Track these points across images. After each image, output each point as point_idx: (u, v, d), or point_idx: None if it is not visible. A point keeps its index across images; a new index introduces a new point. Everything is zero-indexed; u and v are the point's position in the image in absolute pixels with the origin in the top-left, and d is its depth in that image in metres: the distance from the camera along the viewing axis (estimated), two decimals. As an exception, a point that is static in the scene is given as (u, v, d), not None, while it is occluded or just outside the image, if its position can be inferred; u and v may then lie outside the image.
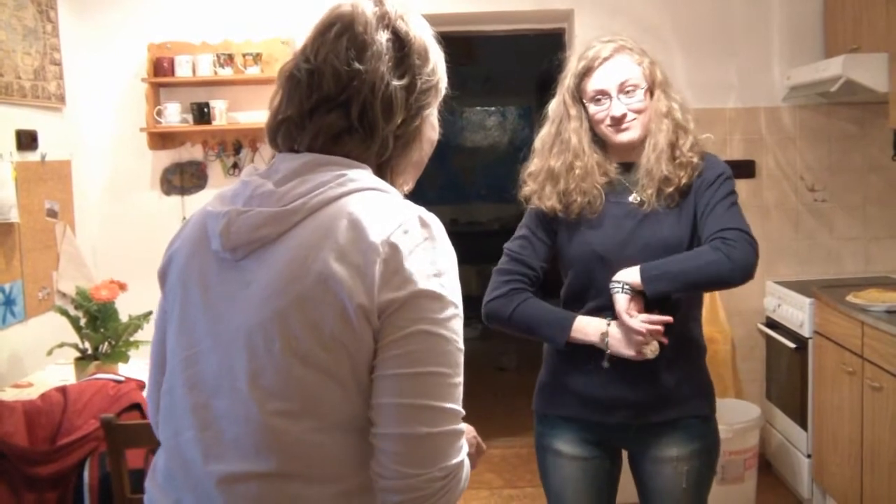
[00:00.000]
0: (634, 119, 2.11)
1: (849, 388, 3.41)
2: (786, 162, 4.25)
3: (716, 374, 4.14)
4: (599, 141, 2.18)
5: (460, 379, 1.16)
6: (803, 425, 3.82)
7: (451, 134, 9.05)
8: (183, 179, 4.31)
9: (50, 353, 3.04)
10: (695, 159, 2.13)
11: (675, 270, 2.02)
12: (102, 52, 4.25)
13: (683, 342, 2.17)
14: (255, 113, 4.25)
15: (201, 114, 4.17)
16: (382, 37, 1.20)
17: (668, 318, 2.02)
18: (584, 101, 2.15)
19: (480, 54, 7.60)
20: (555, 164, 2.16)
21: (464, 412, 1.17)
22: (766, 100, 4.23)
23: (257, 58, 4.14)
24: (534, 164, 2.22)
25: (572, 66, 2.17)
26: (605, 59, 2.11)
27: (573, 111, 2.17)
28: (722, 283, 2.07)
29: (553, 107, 2.22)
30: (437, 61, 1.27)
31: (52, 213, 3.84)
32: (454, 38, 6.68)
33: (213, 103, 4.16)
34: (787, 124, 4.24)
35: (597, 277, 2.12)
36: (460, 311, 1.16)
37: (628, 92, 2.10)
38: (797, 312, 3.83)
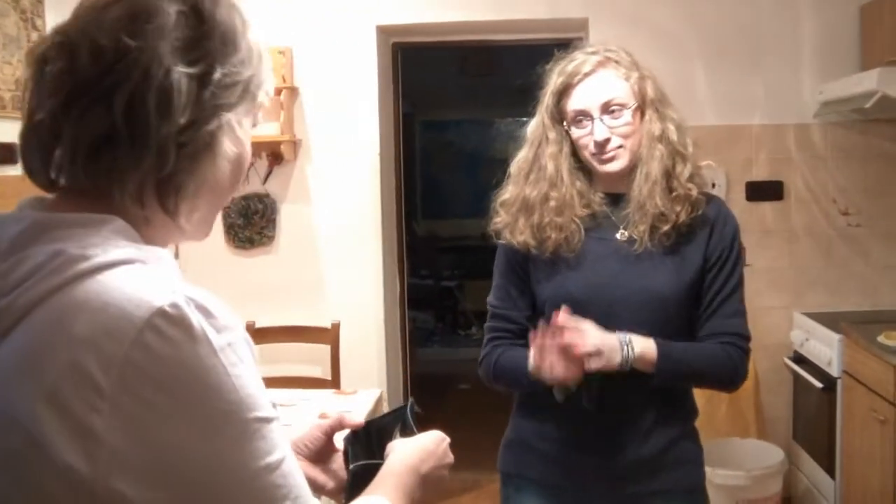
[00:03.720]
0: (621, 146, 1.83)
1: (880, 438, 3.08)
2: (816, 183, 3.92)
3: (737, 412, 3.84)
4: (584, 167, 1.91)
5: (273, 461, 0.85)
6: (831, 472, 3.49)
7: (482, 146, 8.81)
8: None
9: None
10: (693, 192, 1.84)
11: (689, 371, 1.84)
12: (94, 62, 4.08)
13: (670, 402, 1.89)
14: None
15: (194, 126, 3.97)
16: (172, 8, 0.89)
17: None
18: (566, 122, 1.88)
19: (506, 65, 7.38)
20: (530, 194, 1.90)
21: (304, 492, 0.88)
22: (796, 116, 3.90)
23: (252, 68, 3.93)
24: (508, 192, 1.96)
25: (552, 83, 1.90)
26: (587, 74, 1.84)
27: (552, 134, 1.90)
28: (716, 389, 2.07)
29: (531, 128, 1.96)
30: (251, 53, 0.95)
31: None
32: (476, 49, 6.51)
33: (205, 116, 3.96)
34: (819, 143, 3.91)
35: None
36: (246, 409, 0.83)
37: (613, 112, 1.82)
38: (825, 349, 3.51)
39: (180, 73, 0.87)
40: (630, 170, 1.86)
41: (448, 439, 1.27)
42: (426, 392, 5.78)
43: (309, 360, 3.99)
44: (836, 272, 3.95)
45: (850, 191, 3.92)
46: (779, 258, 3.92)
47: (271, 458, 0.85)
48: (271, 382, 3.63)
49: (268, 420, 0.86)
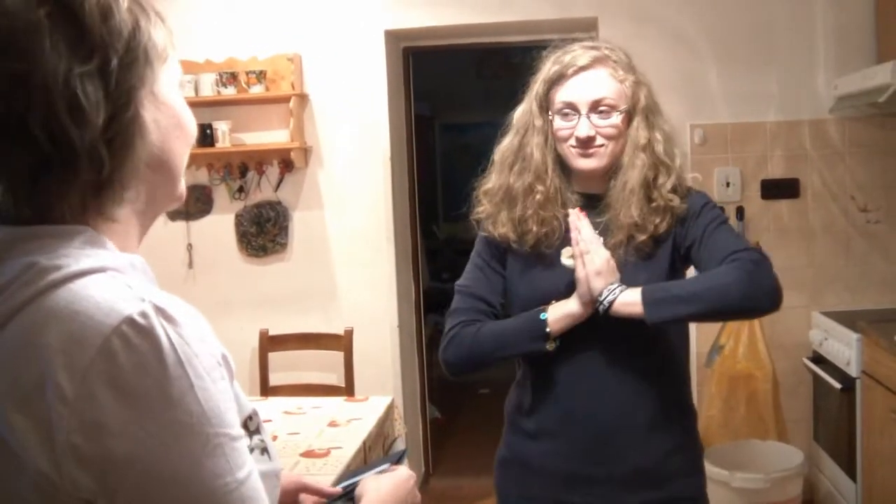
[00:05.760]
0: (603, 145, 1.79)
1: (900, 439, 3.01)
2: (833, 180, 3.84)
3: (756, 415, 3.77)
4: (562, 162, 1.86)
5: (232, 481, 0.83)
6: (852, 475, 3.41)
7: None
8: (188, 204, 4.12)
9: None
10: (675, 202, 1.80)
11: (686, 294, 1.69)
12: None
13: (671, 404, 1.85)
14: (260, 134, 4.08)
15: (204, 136, 3.98)
16: (38, 14, 0.83)
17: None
18: (551, 112, 1.83)
19: (522, 66, 7.38)
20: (514, 183, 1.85)
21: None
22: (811, 112, 3.82)
23: (261, 76, 3.94)
24: (491, 181, 1.91)
25: (545, 70, 1.85)
26: (581, 68, 1.79)
27: (539, 122, 1.85)
28: (745, 309, 1.78)
29: (518, 115, 1.90)
30: (135, 18, 0.89)
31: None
32: (491, 51, 6.45)
33: (216, 124, 3.98)
34: (835, 138, 3.83)
35: None
36: (207, 423, 0.82)
37: (602, 112, 1.78)
38: (844, 349, 3.43)
39: (78, 75, 0.83)
40: (608, 172, 1.82)
41: (414, 476, 1.33)
42: (446, 397, 5.77)
43: (323, 367, 3.98)
44: (855, 270, 3.87)
45: (868, 187, 3.83)
46: (796, 257, 3.85)
47: (231, 478, 0.83)
48: (285, 390, 3.68)
49: (231, 437, 0.84)
